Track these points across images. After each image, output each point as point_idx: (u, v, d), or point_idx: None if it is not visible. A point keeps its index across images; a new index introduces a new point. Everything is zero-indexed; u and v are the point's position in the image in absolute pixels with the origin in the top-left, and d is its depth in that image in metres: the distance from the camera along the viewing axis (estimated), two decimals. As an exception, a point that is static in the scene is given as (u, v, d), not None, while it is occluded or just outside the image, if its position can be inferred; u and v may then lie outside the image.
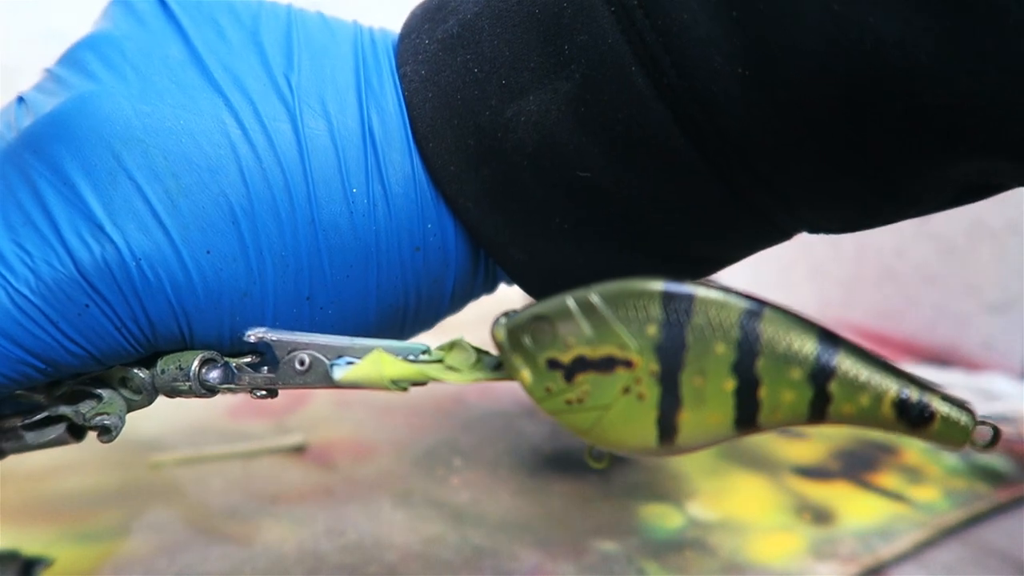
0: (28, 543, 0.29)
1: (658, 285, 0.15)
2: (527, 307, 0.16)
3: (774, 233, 0.21)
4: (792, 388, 0.15)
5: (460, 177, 0.20)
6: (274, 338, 0.19)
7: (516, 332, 0.16)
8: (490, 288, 0.24)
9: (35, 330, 0.18)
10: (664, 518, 0.31)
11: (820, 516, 0.32)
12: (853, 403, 0.15)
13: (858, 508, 0.32)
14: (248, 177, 0.19)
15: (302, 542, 0.29)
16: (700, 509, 0.32)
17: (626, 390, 0.15)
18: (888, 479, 0.35)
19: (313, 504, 0.32)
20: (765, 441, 0.38)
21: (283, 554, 0.28)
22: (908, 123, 0.17)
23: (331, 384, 0.18)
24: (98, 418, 0.20)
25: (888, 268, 0.53)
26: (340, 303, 0.20)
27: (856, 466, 0.36)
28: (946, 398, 0.15)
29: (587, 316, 0.15)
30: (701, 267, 0.22)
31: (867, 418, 0.15)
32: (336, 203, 0.19)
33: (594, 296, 0.15)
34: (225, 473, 0.34)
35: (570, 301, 0.15)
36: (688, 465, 0.36)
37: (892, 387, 0.15)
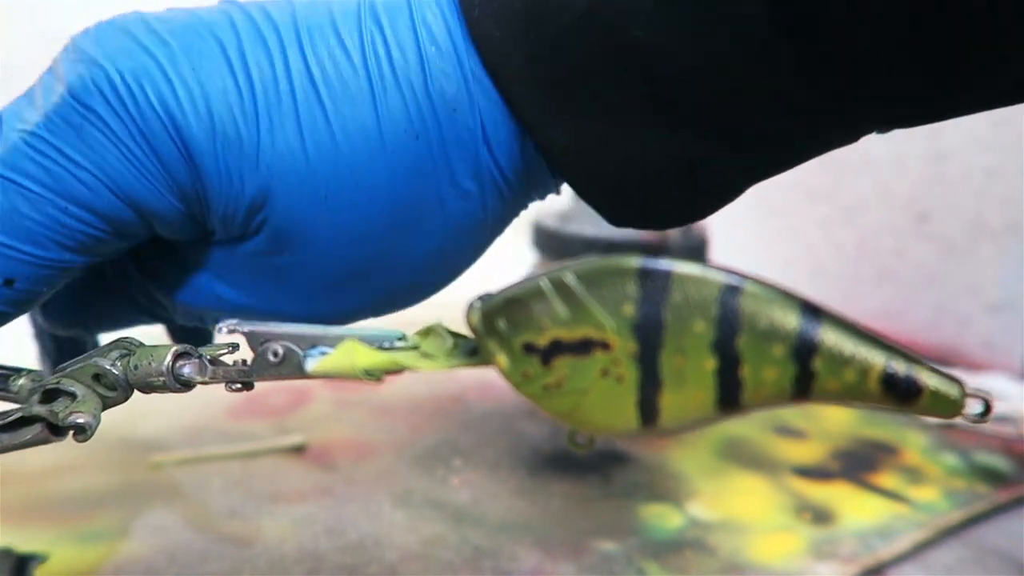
0: (28, 543, 0.29)
1: (634, 262, 0.15)
2: (502, 290, 0.16)
3: (838, 118, 0.19)
4: (775, 365, 0.14)
5: (505, 45, 0.19)
6: (247, 330, 0.18)
7: (490, 316, 0.15)
8: (534, 188, 0.22)
9: (46, 163, 0.18)
10: (664, 518, 0.31)
11: (820, 516, 0.32)
12: (838, 379, 0.14)
13: (858, 508, 0.32)
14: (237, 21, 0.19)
15: (302, 542, 0.29)
16: (700, 509, 0.32)
17: (604, 373, 0.15)
18: (888, 479, 0.35)
19: (313, 504, 0.32)
20: (765, 441, 0.38)
21: (283, 554, 0.28)
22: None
23: (304, 375, 0.18)
24: (72, 417, 0.19)
25: (888, 268, 0.53)
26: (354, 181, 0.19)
27: (856, 466, 0.36)
28: (934, 371, 0.14)
29: (562, 297, 0.15)
30: (759, 156, 0.21)
31: (853, 394, 0.14)
32: (347, 61, 0.19)
33: (568, 276, 0.15)
34: (225, 473, 0.34)
35: (544, 282, 0.15)
36: (688, 465, 0.36)
37: (878, 361, 0.14)
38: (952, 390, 0.14)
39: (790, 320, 0.14)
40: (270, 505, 0.32)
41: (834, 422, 0.40)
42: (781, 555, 0.29)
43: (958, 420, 0.14)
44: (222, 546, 0.29)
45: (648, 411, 0.15)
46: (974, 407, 0.14)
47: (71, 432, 0.20)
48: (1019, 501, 0.34)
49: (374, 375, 0.17)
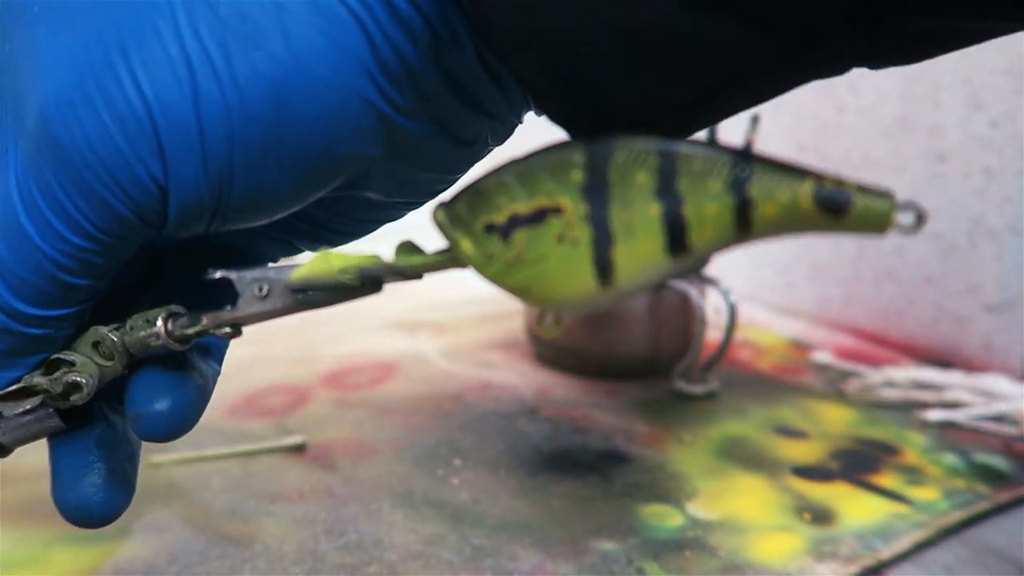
0: (28, 543, 0.29)
1: (580, 142, 0.16)
2: (461, 186, 0.17)
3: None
4: (714, 200, 0.15)
5: None
6: (235, 275, 0.19)
7: (452, 206, 0.17)
8: (475, 78, 0.19)
9: None
10: (664, 518, 0.31)
11: (820, 516, 0.32)
12: (774, 202, 0.15)
13: (858, 508, 0.32)
14: None
15: (302, 542, 0.29)
16: (700, 509, 0.32)
17: (560, 238, 0.16)
18: (888, 479, 0.35)
19: (313, 504, 0.32)
20: (765, 441, 0.38)
21: (283, 554, 0.28)
22: None
23: (293, 302, 0.19)
24: (68, 376, 0.20)
25: (888, 268, 0.53)
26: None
27: (856, 466, 0.36)
28: (863, 187, 0.15)
29: (516, 176, 0.16)
30: (743, 31, 0.16)
31: (791, 217, 0.15)
32: None
33: (522, 161, 0.16)
34: (225, 473, 0.34)
35: (500, 169, 0.16)
36: (688, 465, 0.36)
37: (809, 180, 0.15)
38: (882, 202, 0.15)
39: (723, 158, 0.15)
40: (270, 505, 0.32)
41: (834, 422, 0.40)
42: (781, 555, 0.29)
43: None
44: (222, 546, 0.29)
45: (604, 268, 0.16)
46: (905, 218, 0.14)
47: (69, 394, 0.20)
48: (1019, 501, 0.34)
49: (349, 273, 0.18)
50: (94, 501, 0.21)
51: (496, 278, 0.17)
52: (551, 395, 0.43)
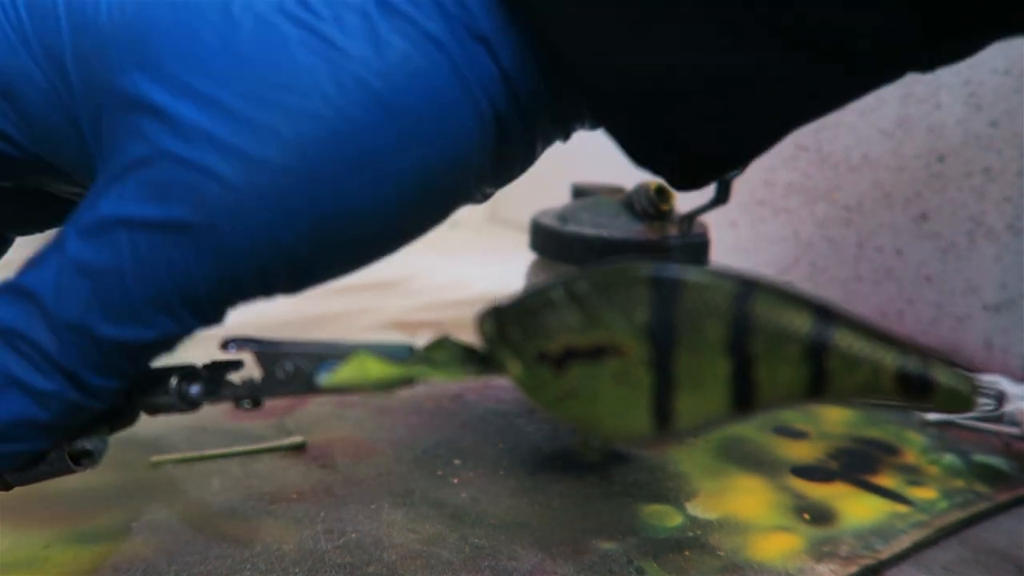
0: (28, 543, 0.29)
1: (645, 269, 0.15)
2: (512, 299, 0.16)
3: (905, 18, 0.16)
4: (789, 365, 0.14)
5: None
6: (256, 349, 0.18)
7: (503, 325, 0.15)
8: (543, 102, 0.18)
9: None
10: (664, 518, 0.31)
11: (820, 516, 0.32)
12: (852, 378, 0.14)
13: (858, 508, 0.33)
14: None
15: (302, 542, 0.29)
16: (700, 509, 0.32)
17: (618, 378, 0.15)
18: (888, 479, 0.35)
19: (313, 504, 0.32)
20: (765, 441, 0.38)
21: (283, 554, 0.28)
22: None
23: (315, 390, 0.18)
24: (79, 443, 0.19)
25: (888, 268, 0.53)
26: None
27: (856, 466, 0.36)
28: (946, 366, 0.14)
29: (575, 305, 0.15)
30: (824, 68, 0.16)
31: (867, 392, 0.14)
32: None
33: (581, 284, 0.15)
34: (225, 473, 0.34)
35: (556, 291, 0.15)
36: (688, 465, 0.36)
37: (892, 359, 0.14)
38: (964, 386, 0.14)
39: (803, 320, 0.14)
40: (270, 505, 0.32)
41: (834, 422, 0.40)
42: (781, 555, 0.29)
43: (969, 418, 0.14)
44: (222, 546, 0.29)
45: (663, 415, 0.15)
46: (986, 403, 0.14)
47: (80, 457, 0.20)
48: (1019, 501, 0.34)
49: (386, 385, 0.17)
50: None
51: (546, 405, 0.16)
52: (551, 395, 0.43)
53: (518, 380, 0.16)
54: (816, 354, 0.14)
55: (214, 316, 0.17)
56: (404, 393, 0.42)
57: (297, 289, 0.18)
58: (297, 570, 0.27)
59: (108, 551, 0.28)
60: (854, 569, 0.29)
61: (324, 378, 0.18)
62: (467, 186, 0.18)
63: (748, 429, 0.39)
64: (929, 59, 0.17)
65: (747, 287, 0.14)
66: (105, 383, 0.18)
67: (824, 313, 0.14)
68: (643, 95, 0.17)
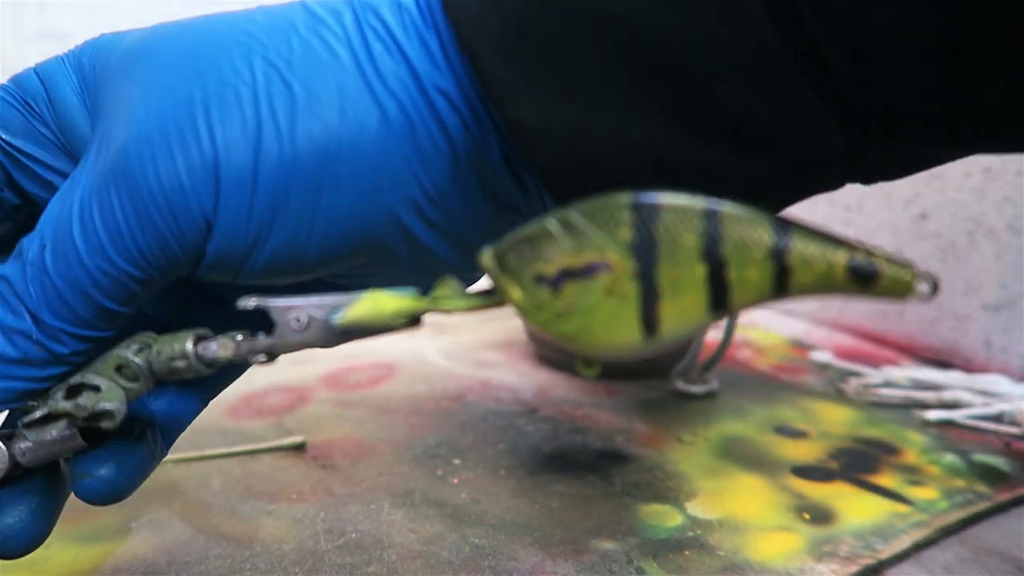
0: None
1: (628, 196, 0.16)
2: (510, 233, 0.17)
3: (847, 138, 0.18)
4: (756, 266, 0.16)
5: (480, 16, 0.18)
6: (271, 304, 0.19)
7: (502, 254, 0.17)
8: (500, 176, 0.21)
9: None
10: (664, 518, 0.31)
11: (820, 516, 0.32)
12: (810, 272, 0.16)
13: (858, 508, 0.32)
14: None
15: (302, 542, 0.29)
16: (700, 509, 0.32)
17: (608, 291, 0.17)
18: (888, 479, 0.35)
19: (313, 504, 0.32)
20: (765, 441, 0.38)
21: (283, 554, 0.28)
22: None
23: (332, 336, 0.19)
24: (98, 403, 0.20)
25: (888, 268, 0.53)
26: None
27: (856, 466, 0.36)
28: (889, 258, 0.16)
29: (566, 230, 0.17)
30: (755, 163, 0.19)
31: (824, 284, 0.16)
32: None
33: (572, 213, 0.17)
34: (225, 473, 0.34)
35: (549, 221, 0.17)
36: (688, 465, 0.36)
37: (842, 255, 0.16)
38: (905, 274, 0.16)
39: (765, 227, 0.16)
40: (270, 505, 0.32)
41: (834, 422, 0.40)
42: (781, 555, 0.29)
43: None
44: (222, 546, 0.29)
45: (650, 322, 0.17)
46: (924, 287, 0.16)
47: (100, 419, 0.20)
48: (1019, 501, 0.34)
49: (400, 318, 0.18)
50: (14, 530, 0.21)
51: (544, 326, 0.17)
52: (551, 395, 0.43)
53: (518, 304, 0.17)
54: (778, 255, 0.16)
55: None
56: (404, 393, 0.42)
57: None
58: (297, 570, 0.27)
59: (108, 551, 0.28)
60: (854, 569, 0.29)
61: (339, 316, 0.18)
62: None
63: (748, 429, 0.39)
64: (865, 171, 0.19)
65: (715, 203, 0.16)
66: (62, 325, 0.19)
67: (782, 221, 0.17)
68: (586, 169, 0.19)
